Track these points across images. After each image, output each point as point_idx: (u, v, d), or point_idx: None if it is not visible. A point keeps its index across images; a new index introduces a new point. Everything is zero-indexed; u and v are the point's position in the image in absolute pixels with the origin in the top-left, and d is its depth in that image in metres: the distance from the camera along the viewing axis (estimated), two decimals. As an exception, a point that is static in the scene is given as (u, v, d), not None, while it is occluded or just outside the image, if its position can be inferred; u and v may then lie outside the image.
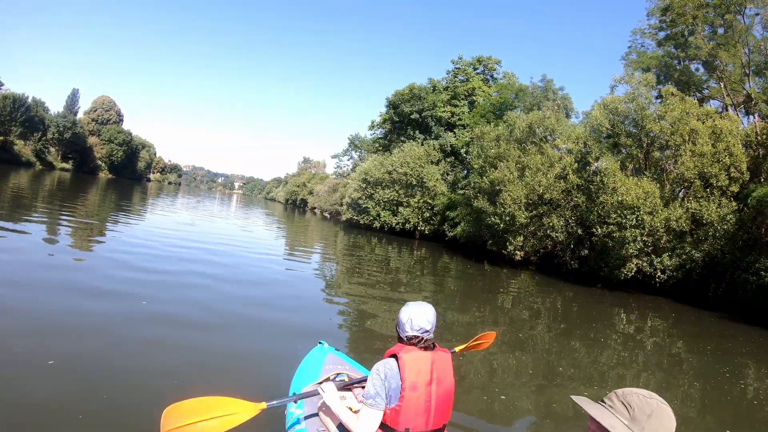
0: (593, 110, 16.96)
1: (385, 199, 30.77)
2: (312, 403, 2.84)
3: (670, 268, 14.38)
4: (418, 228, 30.13)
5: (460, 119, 32.31)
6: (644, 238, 14.00)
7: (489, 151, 18.88)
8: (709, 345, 9.23)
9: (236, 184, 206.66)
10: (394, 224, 30.41)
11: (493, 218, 17.13)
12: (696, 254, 14.42)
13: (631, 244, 13.97)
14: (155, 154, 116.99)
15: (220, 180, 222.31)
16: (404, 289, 11.22)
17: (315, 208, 59.74)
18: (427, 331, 2.26)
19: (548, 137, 17.76)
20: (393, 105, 34.28)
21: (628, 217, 13.88)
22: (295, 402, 2.90)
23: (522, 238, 16.88)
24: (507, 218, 16.92)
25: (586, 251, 16.85)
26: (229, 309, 6.51)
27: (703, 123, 14.93)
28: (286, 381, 3.53)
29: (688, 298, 14.36)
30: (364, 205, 31.90)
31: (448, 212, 27.36)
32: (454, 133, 32.47)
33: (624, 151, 16.26)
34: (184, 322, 5.59)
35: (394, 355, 2.25)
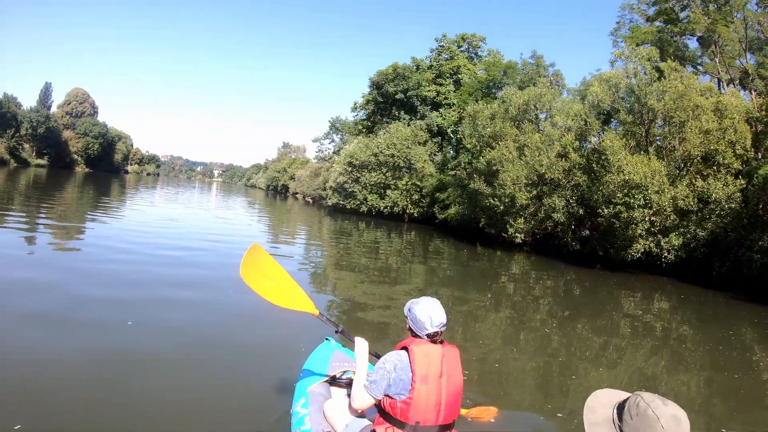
0: (592, 85, 16.46)
1: (372, 183, 29.98)
2: (317, 403, 2.80)
3: (676, 248, 14.20)
4: (407, 211, 29.53)
5: (446, 98, 31.53)
6: (652, 218, 13.73)
7: (484, 130, 18.22)
8: (717, 326, 9.07)
9: (216, 172, 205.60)
10: (381, 208, 29.71)
11: (492, 200, 16.61)
12: (700, 233, 14.27)
13: (640, 224, 13.68)
14: (132, 146, 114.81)
15: (199, 169, 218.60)
16: (396, 275, 10.73)
17: (297, 193, 58.61)
18: (444, 325, 2.29)
19: (545, 114, 17.23)
20: (376, 85, 33.19)
21: (635, 196, 13.55)
22: (336, 331, 2.99)
23: (522, 220, 16.45)
24: (506, 200, 16.43)
25: (587, 232, 16.59)
26: (220, 306, 6.26)
27: (707, 99, 14.65)
28: (291, 377, 3.47)
29: (692, 277, 14.20)
30: (350, 189, 31.03)
31: (437, 194, 26.81)
32: (440, 112, 31.71)
33: (624, 128, 15.87)
34: (176, 326, 5.29)
35: (405, 348, 2.26)
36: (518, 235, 16.61)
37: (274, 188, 78.38)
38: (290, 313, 5.95)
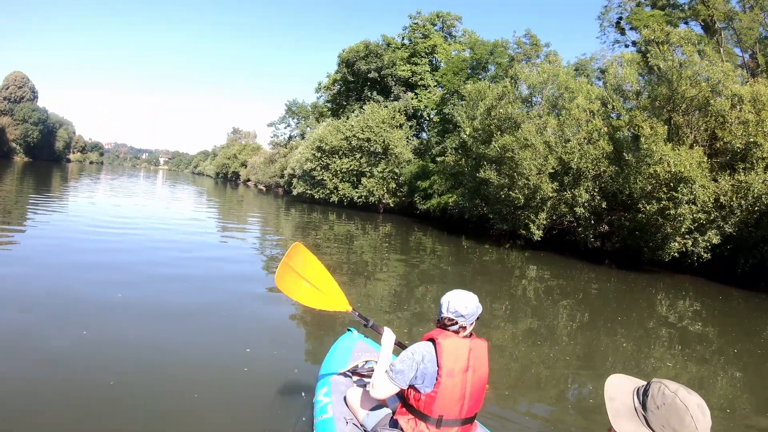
0: (617, 67, 15.06)
1: (344, 170, 27.34)
2: (339, 392, 2.84)
3: (710, 246, 13.25)
4: (383, 201, 27.26)
5: (422, 79, 29.36)
6: (698, 215, 12.61)
7: (494, 112, 16.31)
8: (753, 326, 8.67)
9: (161, 160, 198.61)
10: (355, 198, 27.21)
11: (511, 192, 14.78)
12: (728, 229, 13.46)
13: (685, 221, 12.52)
14: (74, 133, 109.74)
15: (144, 156, 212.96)
16: (384, 277, 9.60)
17: (248, 180, 54.89)
18: (462, 316, 2.22)
19: (562, 96, 15.61)
20: (347, 63, 30.25)
21: (682, 191, 12.33)
22: (366, 325, 2.92)
23: (545, 214, 14.84)
24: (528, 191, 14.70)
25: (605, 227, 15.38)
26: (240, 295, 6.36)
27: (741, 87, 13.75)
28: (315, 367, 3.58)
29: (714, 275, 13.50)
30: (318, 177, 28.14)
31: (418, 182, 24.79)
32: (416, 93, 29.51)
33: (648, 114, 14.64)
34: (195, 314, 5.35)
35: (432, 340, 2.23)
36: (537, 232, 14.99)
37: (224, 176, 74.71)
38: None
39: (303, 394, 3.43)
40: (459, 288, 2.36)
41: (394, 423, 2.34)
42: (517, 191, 14.74)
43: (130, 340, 4.38)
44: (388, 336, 2.60)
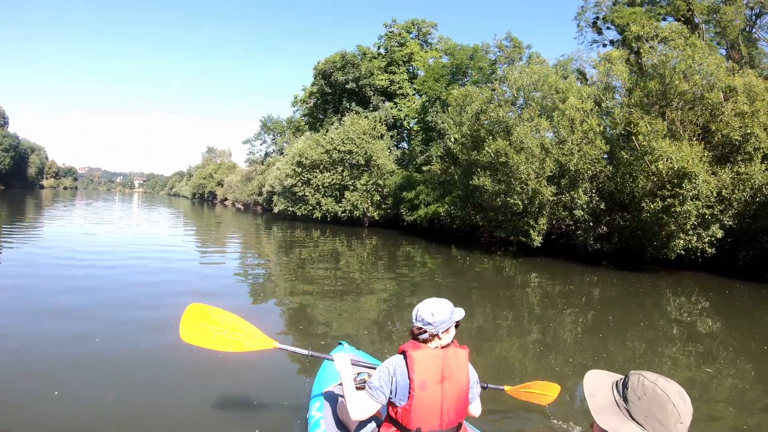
0: (607, 65, 14.70)
1: (326, 184, 26.41)
2: (332, 406, 2.84)
3: (715, 240, 12.87)
4: (368, 214, 26.38)
5: (400, 87, 28.81)
6: (702, 210, 12.18)
7: (487, 115, 15.73)
8: (763, 318, 8.51)
9: (136, 182, 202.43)
10: (339, 212, 26.27)
11: (511, 198, 14.12)
12: (726, 222, 13.14)
13: (691, 218, 12.07)
14: (47, 158, 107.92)
15: (119, 179, 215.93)
16: (374, 294, 9.09)
17: (226, 200, 53.53)
18: (430, 324, 2.14)
19: (553, 97, 15.14)
20: (323, 74, 29.51)
21: (685, 186, 11.89)
22: (307, 357, 2.91)
23: (545, 219, 14.23)
24: (526, 197, 14.09)
25: (604, 228, 14.90)
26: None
27: (733, 78, 13.53)
28: (308, 382, 3.67)
29: (715, 269, 13.16)
30: (300, 193, 27.10)
31: (404, 193, 24.04)
32: (395, 102, 28.92)
33: (640, 110, 14.29)
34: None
35: (403, 352, 2.20)
36: (537, 238, 14.37)
37: (201, 196, 73.27)
38: (307, 320, 6.53)
39: (297, 411, 3.42)
40: (456, 300, 2.24)
41: None
42: (515, 197, 14.10)
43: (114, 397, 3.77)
44: (340, 362, 2.52)
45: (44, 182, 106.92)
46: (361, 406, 2.21)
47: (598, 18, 24.40)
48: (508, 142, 14.45)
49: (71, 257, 10.73)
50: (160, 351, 4.80)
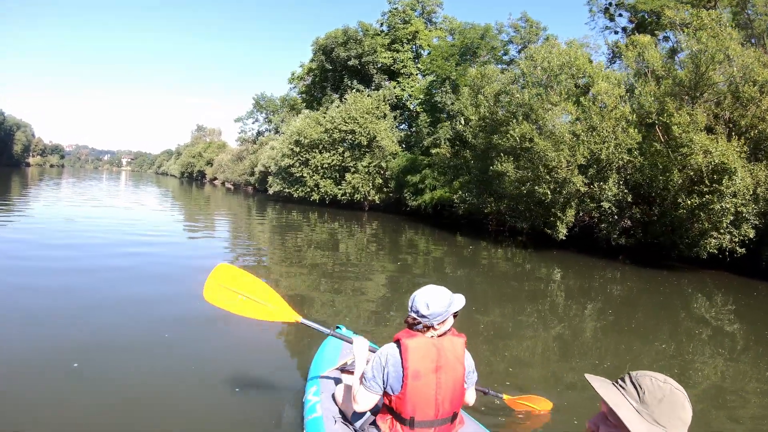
0: (637, 49, 14.04)
1: (326, 165, 25.36)
2: (328, 390, 2.80)
3: (747, 240, 12.54)
4: (369, 198, 25.50)
5: (405, 66, 27.70)
6: (740, 208, 11.79)
7: (512, 96, 14.95)
8: None
9: (124, 161, 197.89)
10: (339, 195, 25.30)
11: (539, 187, 13.47)
12: (754, 220, 12.85)
13: (727, 215, 11.67)
14: (33, 135, 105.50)
15: (106, 158, 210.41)
16: (376, 282, 8.60)
17: (216, 179, 52.02)
18: (424, 317, 2.10)
19: (580, 81, 14.46)
20: (324, 50, 28.11)
21: (726, 183, 11.45)
22: (328, 334, 2.93)
23: (573, 211, 13.66)
24: (556, 186, 13.46)
25: (628, 222, 14.47)
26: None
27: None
28: (304, 367, 3.56)
29: (738, 269, 12.75)
30: (297, 174, 25.97)
31: (408, 177, 23.23)
32: (399, 82, 27.83)
33: (677, 101, 13.75)
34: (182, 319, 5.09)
35: (397, 341, 2.15)
36: (563, 230, 13.82)
37: (189, 175, 71.19)
38: (304, 305, 6.30)
39: (293, 394, 3.39)
40: (462, 292, 2.22)
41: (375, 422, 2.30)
42: (543, 185, 13.46)
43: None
44: (360, 345, 2.52)
45: (30, 160, 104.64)
46: (360, 400, 2.20)
47: (610, 4, 23.75)
48: (536, 127, 13.75)
49: (47, 244, 9.71)
50: (149, 327, 4.82)
